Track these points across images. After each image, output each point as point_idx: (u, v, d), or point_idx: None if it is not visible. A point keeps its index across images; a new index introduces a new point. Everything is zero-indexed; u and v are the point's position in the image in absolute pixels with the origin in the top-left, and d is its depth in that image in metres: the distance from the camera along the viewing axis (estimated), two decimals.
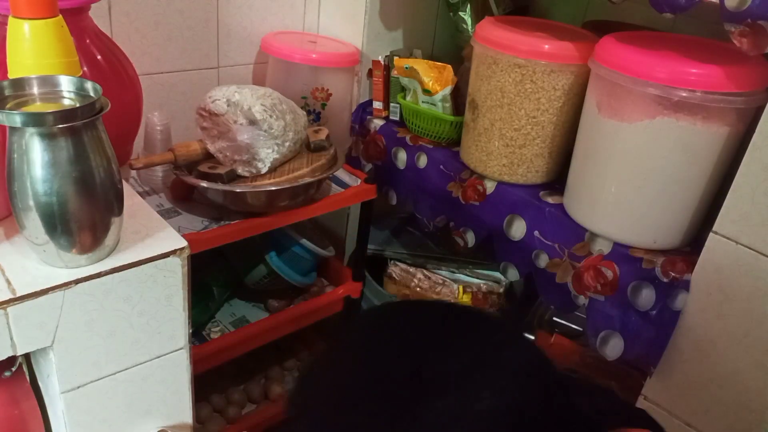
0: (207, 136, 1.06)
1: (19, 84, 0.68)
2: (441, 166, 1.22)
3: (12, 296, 0.64)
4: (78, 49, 0.75)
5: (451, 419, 0.44)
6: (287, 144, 1.08)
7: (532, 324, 1.34)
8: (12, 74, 0.70)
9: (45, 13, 0.67)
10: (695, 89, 0.82)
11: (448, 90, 1.21)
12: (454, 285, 1.38)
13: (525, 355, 0.50)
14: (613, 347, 0.96)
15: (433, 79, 1.22)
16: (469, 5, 1.32)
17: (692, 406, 0.92)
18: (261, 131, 1.03)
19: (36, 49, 0.68)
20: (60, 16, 0.69)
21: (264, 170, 1.06)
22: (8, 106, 0.65)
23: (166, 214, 1.07)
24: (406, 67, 1.25)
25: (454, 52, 1.45)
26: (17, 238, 0.73)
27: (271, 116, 1.04)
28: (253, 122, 1.02)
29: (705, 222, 0.92)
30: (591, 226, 0.99)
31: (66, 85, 0.70)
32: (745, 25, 0.76)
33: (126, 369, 0.77)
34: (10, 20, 0.68)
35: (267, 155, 1.05)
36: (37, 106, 0.67)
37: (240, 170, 1.06)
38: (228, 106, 1.02)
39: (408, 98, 1.29)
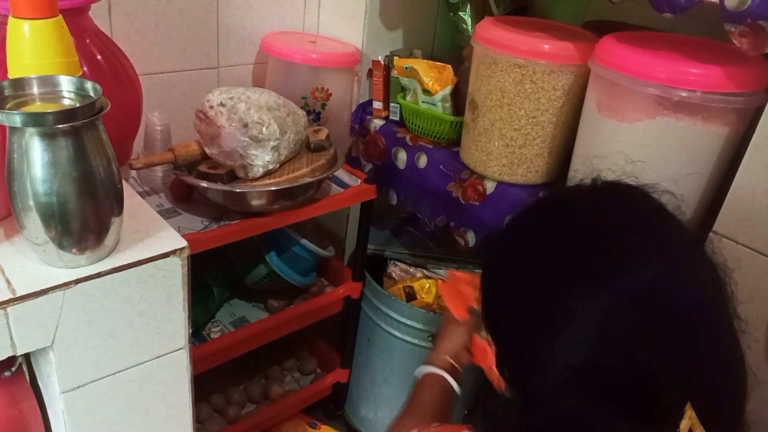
0: (203, 138, 1.06)
1: (19, 84, 0.68)
2: (441, 166, 1.22)
3: (12, 296, 0.64)
4: (78, 49, 0.75)
5: None
6: (284, 147, 1.08)
7: None
8: (12, 74, 0.70)
9: (45, 13, 0.67)
10: (695, 89, 0.82)
11: (448, 90, 1.21)
12: None
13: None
14: None
15: (433, 79, 1.22)
16: (469, 5, 1.32)
17: None
18: (253, 139, 1.02)
19: (36, 49, 0.68)
20: (60, 16, 0.69)
21: (258, 175, 1.05)
22: (8, 106, 0.65)
23: (166, 214, 1.07)
24: (406, 67, 1.25)
25: (454, 52, 1.44)
26: (17, 238, 0.73)
27: (265, 123, 1.03)
28: (246, 128, 1.02)
29: (705, 222, 0.92)
30: None
31: (66, 85, 0.70)
32: (745, 25, 0.76)
33: (126, 369, 0.77)
34: (10, 20, 0.67)
35: (261, 160, 1.05)
36: (37, 106, 0.67)
37: (237, 172, 1.06)
38: (223, 111, 1.02)
39: (408, 98, 1.29)
